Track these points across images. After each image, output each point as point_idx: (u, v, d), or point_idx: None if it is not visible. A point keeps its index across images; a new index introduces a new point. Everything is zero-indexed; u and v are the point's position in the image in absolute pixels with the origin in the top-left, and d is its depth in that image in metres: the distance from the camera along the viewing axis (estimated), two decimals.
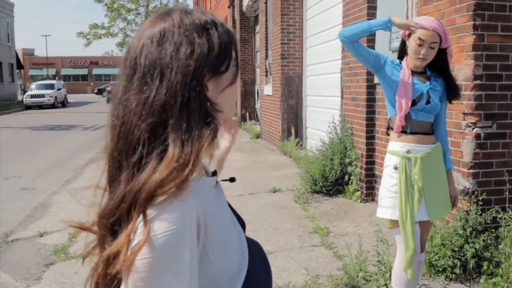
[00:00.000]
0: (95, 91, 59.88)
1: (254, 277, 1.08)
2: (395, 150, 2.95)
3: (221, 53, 1.00)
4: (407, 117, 2.90)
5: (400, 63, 2.97)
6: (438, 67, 2.92)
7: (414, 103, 2.87)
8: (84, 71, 77.16)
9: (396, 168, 2.92)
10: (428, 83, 2.90)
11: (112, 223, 0.93)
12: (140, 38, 1.00)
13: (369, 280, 3.74)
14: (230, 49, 1.04)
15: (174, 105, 0.93)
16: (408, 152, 2.89)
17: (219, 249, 0.98)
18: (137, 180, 0.91)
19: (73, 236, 5.07)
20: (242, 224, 1.18)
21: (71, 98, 42.71)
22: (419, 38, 2.77)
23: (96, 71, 76.67)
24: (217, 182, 1.14)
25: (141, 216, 0.88)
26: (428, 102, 2.88)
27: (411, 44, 2.85)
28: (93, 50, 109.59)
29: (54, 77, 60.96)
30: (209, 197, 1.02)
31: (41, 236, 5.23)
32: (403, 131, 2.93)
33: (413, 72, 2.91)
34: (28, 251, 4.79)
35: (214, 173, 1.14)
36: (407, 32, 2.87)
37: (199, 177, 0.97)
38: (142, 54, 0.97)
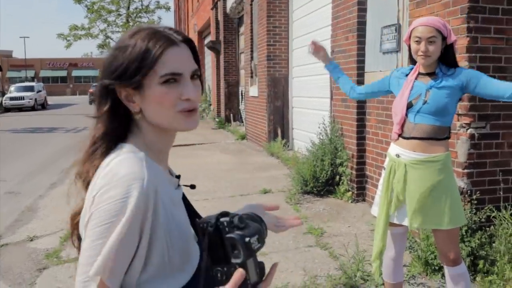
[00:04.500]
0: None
1: None
2: (389, 151, 2.99)
3: (120, 67, 1.16)
4: (405, 122, 2.84)
5: (412, 69, 2.91)
6: (450, 62, 2.80)
7: (411, 105, 2.79)
8: (63, 73, 76.28)
9: (384, 168, 3.02)
10: (430, 82, 2.77)
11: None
12: None
13: (367, 280, 3.76)
14: (138, 64, 1.14)
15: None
16: (398, 156, 2.87)
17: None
18: None
19: (65, 240, 5.00)
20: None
21: (50, 100, 42.13)
22: (415, 36, 2.74)
23: (75, 73, 75.85)
24: (179, 185, 1.27)
25: None
26: (425, 102, 2.74)
27: (411, 45, 2.80)
28: (72, 52, 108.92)
29: (32, 79, 59.96)
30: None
31: (31, 240, 5.14)
32: (402, 136, 2.87)
33: (420, 74, 2.83)
34: (19, 256, 4.71)
35: (178, 177, 1.29)
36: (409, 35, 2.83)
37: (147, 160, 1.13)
38: None
